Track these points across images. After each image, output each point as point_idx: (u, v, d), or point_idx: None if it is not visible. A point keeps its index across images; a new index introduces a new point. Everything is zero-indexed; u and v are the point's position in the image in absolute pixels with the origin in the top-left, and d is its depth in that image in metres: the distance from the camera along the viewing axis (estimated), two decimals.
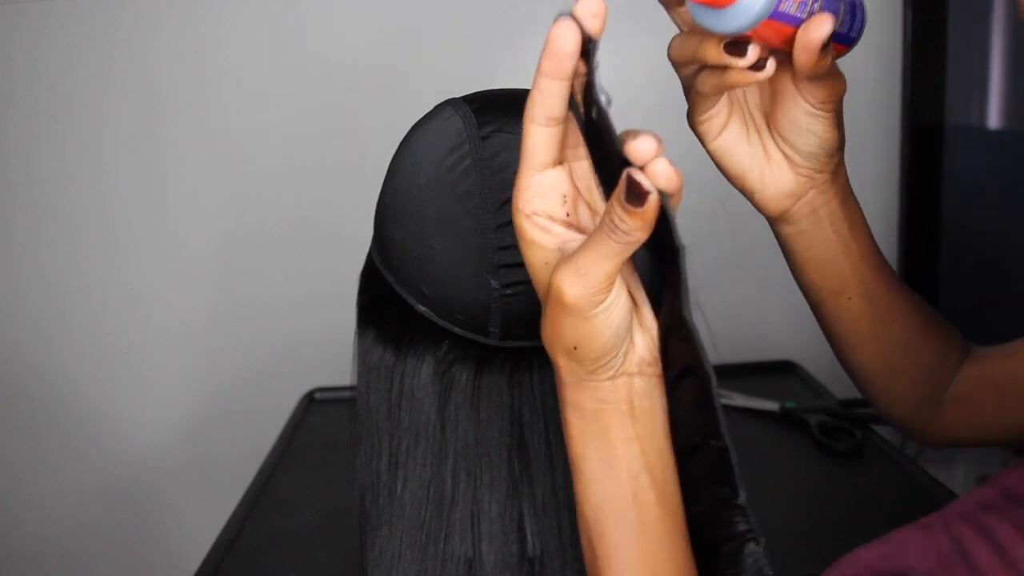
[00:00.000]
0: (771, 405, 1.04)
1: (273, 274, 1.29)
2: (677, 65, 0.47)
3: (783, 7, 0.40)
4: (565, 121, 0.37)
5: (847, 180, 0.50)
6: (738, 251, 1.26)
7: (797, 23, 0.41)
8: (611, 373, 0.38)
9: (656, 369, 0.39)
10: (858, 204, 0.52)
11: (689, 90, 0.48)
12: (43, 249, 1.29)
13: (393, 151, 0.52)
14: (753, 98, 0.48)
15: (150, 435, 1.34)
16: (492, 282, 0.48)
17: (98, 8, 1.21)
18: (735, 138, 0.48)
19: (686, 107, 0.49)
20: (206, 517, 0.96)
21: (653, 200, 0.33)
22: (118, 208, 1.28)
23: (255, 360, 1.31)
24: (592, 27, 0.34)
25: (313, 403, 1.18)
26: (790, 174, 0.48)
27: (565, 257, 0.36)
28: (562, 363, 0.38)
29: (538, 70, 0.35)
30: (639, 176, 0.32)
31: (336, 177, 1.25)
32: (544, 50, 0.35)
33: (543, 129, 0.37)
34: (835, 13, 0.42)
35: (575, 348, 0.37)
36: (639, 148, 0.33)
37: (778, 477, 0.90)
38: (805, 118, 0.46)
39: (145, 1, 1.22)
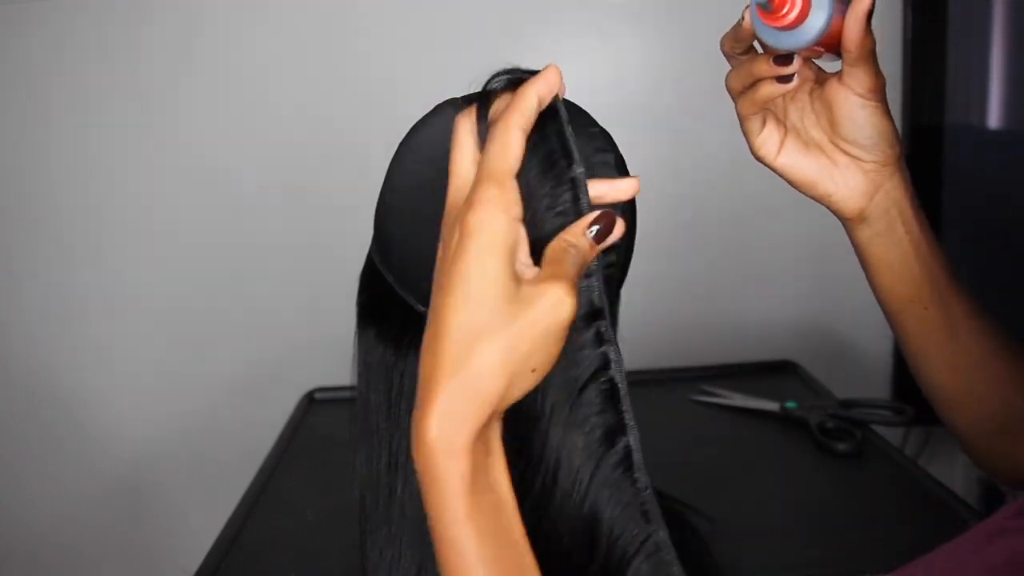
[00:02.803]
0: (771, 405, 1.04)
1: (273, 274, 1.29)
2: (734, 94, 0.54)
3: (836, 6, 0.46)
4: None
5: (910, 179, 0.54)
6: (738, 251, 1.26)
7: (843, 14, 0.48)
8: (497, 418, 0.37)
9: None
10: (922, 208, 0.55)
11: (741, 123, 0.54)
12: (43, 250, 1.29)
13: (393, 151, 0.52)
14: (809, 118, 0.53)
15: (150, 435, 1.34)
16: None
17: (98, 10, 1.21)
18: (795, 154, 0.53)
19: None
20: (206, 517, 0.96)
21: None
22: (117, 208, 1.28)
23: (255, 360, 1.31)
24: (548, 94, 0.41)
25: (313, 403, 1.17)
26: (859, 173, 0.53)
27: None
28: (478, 445, 0.35)
29: (512, 126, 0.39)
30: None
31: (336, 176, 1.25)
32: (518, 104, 0.40)
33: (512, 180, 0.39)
34: None
35: (534, 369, 0.36)
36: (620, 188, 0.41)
37: (778, 477, 0.90)
38: (860, 112, 0.50)
39: (141, 3, 1.22)
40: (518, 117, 0.39)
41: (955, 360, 0.55)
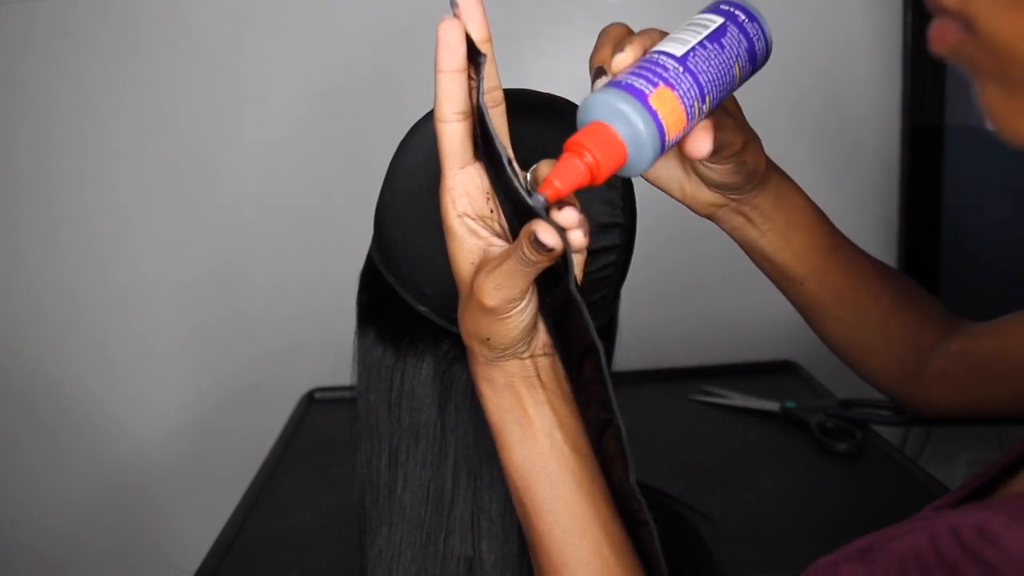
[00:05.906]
0: (771, 405, 1.04)
1: (273, 274, 1.29)
2: None
3: (669, 141, 0.41)
4: (472, 116, 0.40)
5: (780, 183, 0.53)
6: (738, 251, 1.26)
7: (689, 131, 0.43)
8: (518, 357, 0.42)
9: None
10: (802, 197, 0.54)
11: None
12: (42, 251, 1.29)
13: (393, 151, 0.52)
14: None
15: (151, 435, 1.34)
16: None
17: (99, 11, 1.21)
18: None
19: None
20: (206, 517, 0.96)
21: (559, 250, 0.36)
22: (118, 209, 1.28)
23: (255, 360, 1.31)
24: (475, 31, 0.40)
25: (313, 403, 1.17)
26: (707, 191, 0.52)
27: (487, 263, 0.39)
28: (475, 348, 0.42)
29: (436, 70, 0.39)
30: (545, 238, 0.36)
31: (336, 176, 1.25)
32: (436, 49, 0.39)
33: (456, 125, 0.40)
34: (726, 84, 0.43)
35: (488, 339, 0.41)
36: (566, 219, 0.38)
37: (778, 477, 0.90)
38: (700, 167, 0.50)
39: (141, 5, 1.22)
40: (443, 58, 0.39)
41: (843, 325, 0.56)
